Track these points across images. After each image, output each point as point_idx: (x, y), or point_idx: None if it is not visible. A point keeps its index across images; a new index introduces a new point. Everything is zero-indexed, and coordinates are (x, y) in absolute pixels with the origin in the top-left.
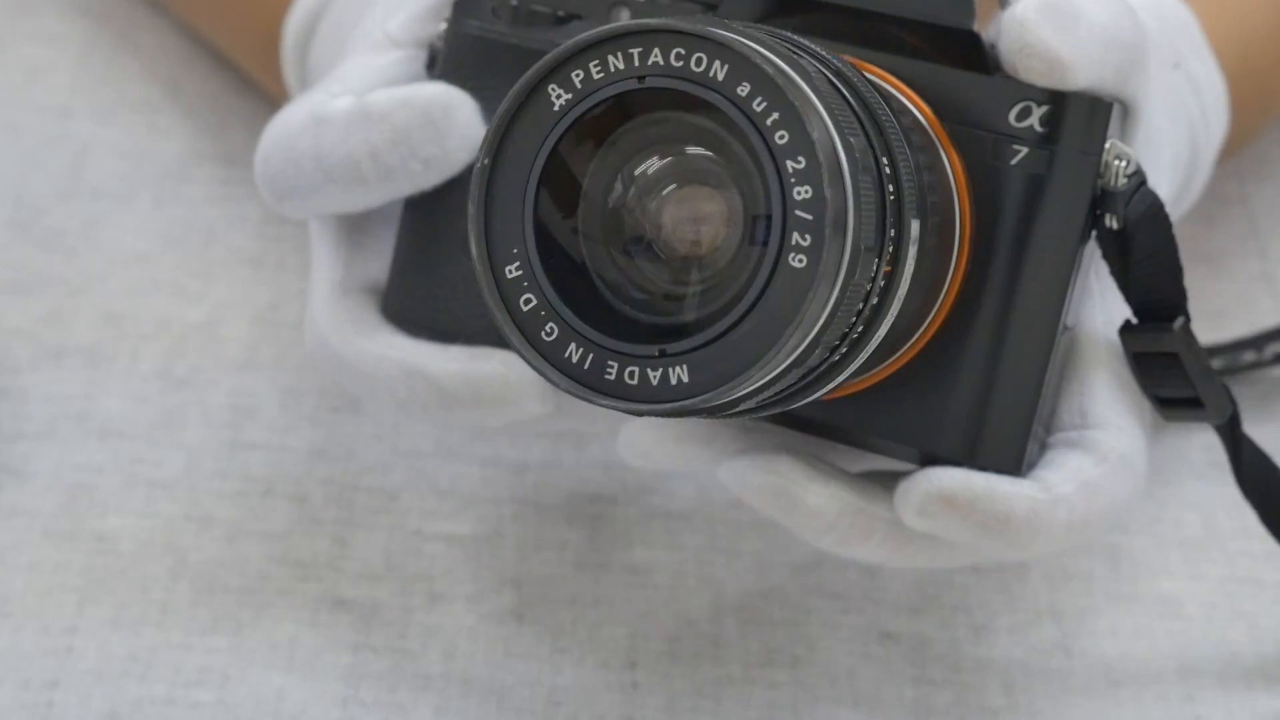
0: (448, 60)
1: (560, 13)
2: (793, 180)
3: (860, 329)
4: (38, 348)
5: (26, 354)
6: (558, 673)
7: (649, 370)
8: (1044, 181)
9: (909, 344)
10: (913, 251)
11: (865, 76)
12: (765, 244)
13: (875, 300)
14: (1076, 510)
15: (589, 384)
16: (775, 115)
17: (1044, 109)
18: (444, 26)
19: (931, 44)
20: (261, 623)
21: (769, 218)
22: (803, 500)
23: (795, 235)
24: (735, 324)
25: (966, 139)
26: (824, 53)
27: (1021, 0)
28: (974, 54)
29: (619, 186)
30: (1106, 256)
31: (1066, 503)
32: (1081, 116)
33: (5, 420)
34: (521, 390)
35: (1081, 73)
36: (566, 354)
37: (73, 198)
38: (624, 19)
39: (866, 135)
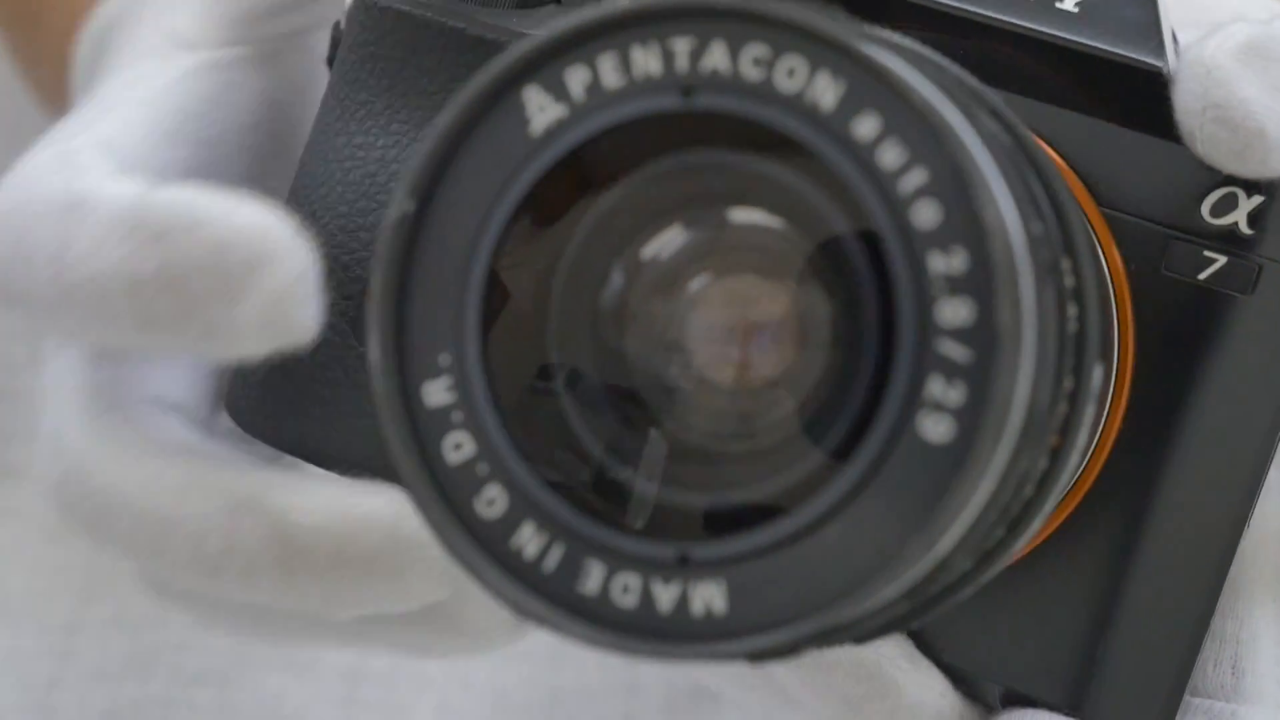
0: (352, 50)
1: None
2: (939, 288)
3: (1000, 534)
4: (37, 348)
5: (26, 354)
6: (557, 673)
7: (658, 586)
8: (1244, 307)
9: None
10: (1090, 413)
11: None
12: (876, 392)
13: (1031, 491)
14: None
15: (553, 597)
16: (917, 177)
17: (1256, 201)
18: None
19: (1087, 87)
20: None
21: (885, 348)
22: (898, 688)
23: (936, 383)
24: (814, 524)
25: (1133, 234)
26: (981, 86)
27: (1214, 37)
28: (1153, 108)
29: (617, 275)
30: None
31: None
32: None
33: (5, 420)
34: (412, 556)
35: None
36: (515, 542)
37: None
38: None
39: (1044, 221)
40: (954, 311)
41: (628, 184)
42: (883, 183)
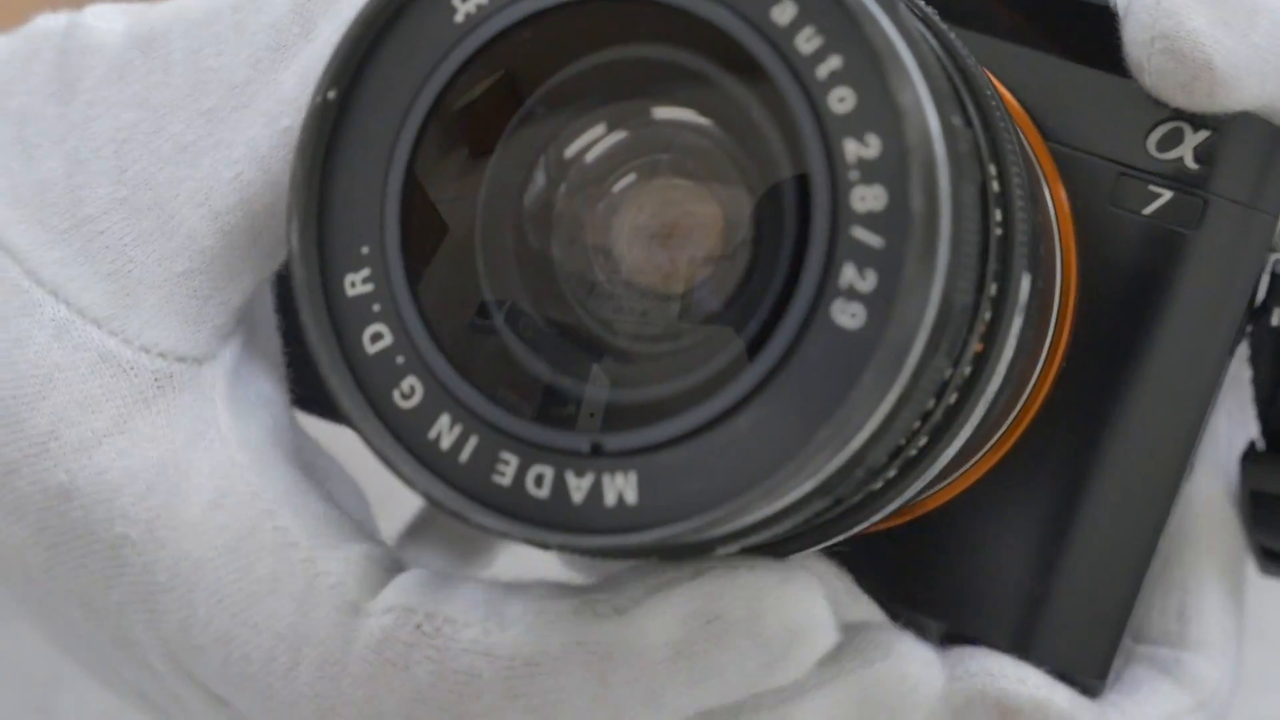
0: None
1: None
2: (854, 175)
3: (924, 441)
4: None
5: None
6: None
7: (571, 476)
8: (1190, 243)
9: (964, 469)
10: (1017, 323)
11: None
12: (792, 282)
13: (954, 398)
14: None
15: (466, 488)
16: (834, 62)
17: (1202, 135)
18: None
19: (1037, 22)
20: None
21: (800, 235)
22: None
23: (849, 270)
24: (726, 413)
25: (1080, 169)
26: None
27: None
28: (1101, 43)
29: (541, 174)
30: (1254, 361)
31: None
32: (1255, 151)
33: None
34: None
35: (1246, 89)
36: (432, 433)
37: None
38: None
39: (969, 123)
40: (868, 198)
41: (550, 83)
42: (799, 69)
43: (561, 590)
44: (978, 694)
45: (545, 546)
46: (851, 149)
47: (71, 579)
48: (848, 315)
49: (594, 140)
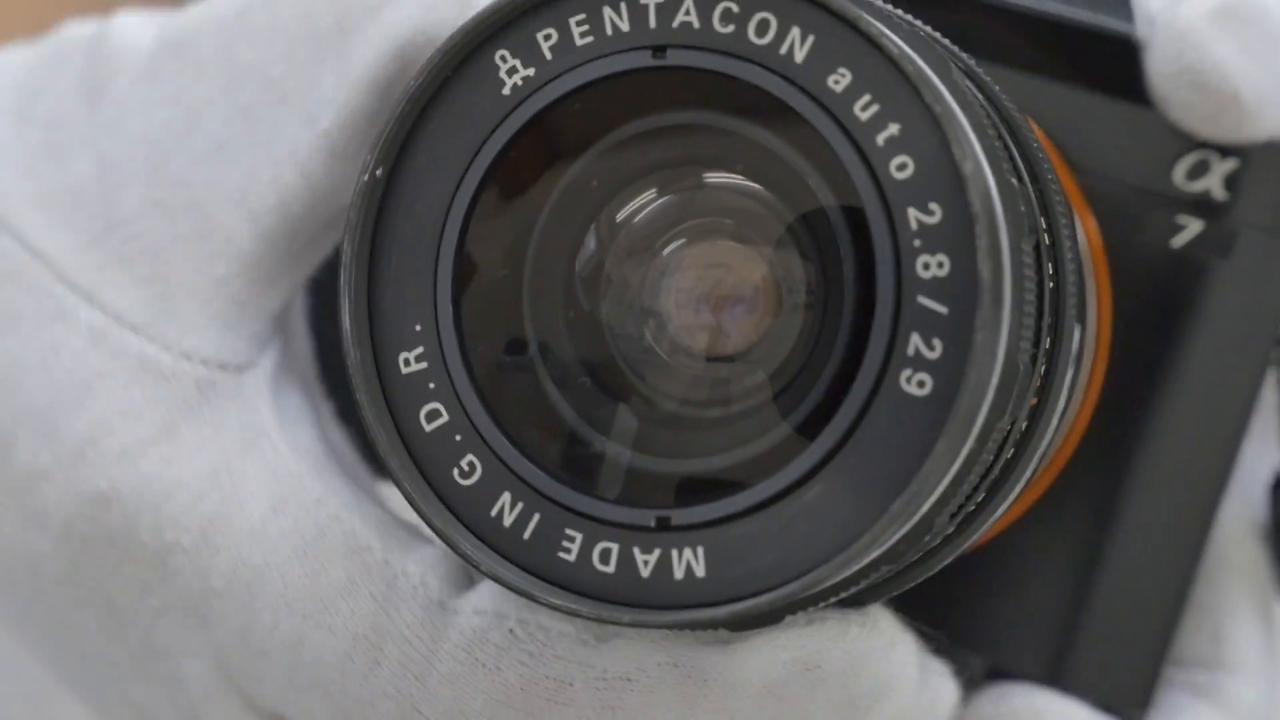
0: None
1: None
2: (918, 242)
3: (981, 497)
4: None
5: None
6: None
7: (638, 551)
8: (1221, 273)
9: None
10: (1069, 375)
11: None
12: (857, 350)
13: (1011, 452)
14: None
15: (531, 565)
16: (893, 129)
17: (1230, 164)
18: None
19: (1060, 54)
20: None
21: (862, 302)
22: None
23: (915, 338)
24: (795, 485)
25: (1108, 200)
26: (953, 47)
27: (1188, 0)
28: (1124, 73)
29: (592, 240)
30: None
31: None
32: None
33: None
34: None
35: (1273, 119)
36: (494, 510)
37: None
38: None
39: (1021, 179)
40: (932, 265)
41: (600, 147)
42: (858, 137)
43: None
44: None
45: (617, 623)
46: (914, 216)
47: (97, 587)
48: (915, 384)
49: (645, 204)
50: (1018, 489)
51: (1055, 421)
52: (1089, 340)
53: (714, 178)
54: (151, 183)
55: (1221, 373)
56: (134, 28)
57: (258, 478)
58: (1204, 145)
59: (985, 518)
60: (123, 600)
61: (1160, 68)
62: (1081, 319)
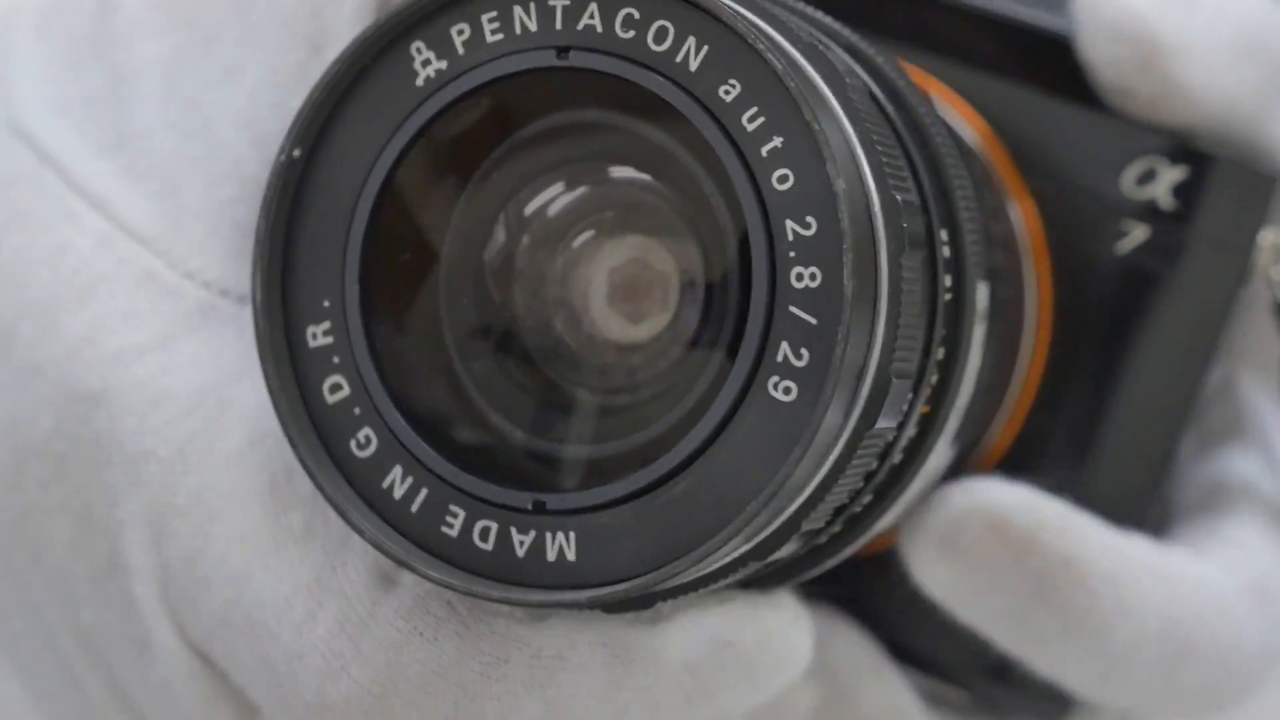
0: None
1: None
2: (791, 255)
3: (868, 499)
4: None
5: None
6: None
7: (516, 532)
8: (1165, 281)
9: None
10: (967, 389)
11: (921, 93)
12: (730, 353)
13: (899, 458)
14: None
15: (417, 538)
16: (776, 142)
17: (1178, 172)
18: None
19: (1015, 55)
20: None
21: (741, 311)
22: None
23: (784, 348)
24: (665, 478)
25: (1056, 205)
26: (866, 47)
27: None
28: (1078, 78)
29: (501, 231)
30: None
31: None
32: (1229, 189)
33: None
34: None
35: (1198, 76)
36: (387, 482)
37: None
38: None
39: (921, 191)
40: (804, 277)
41: (510, 143)
42: (743, 146)
43: None
44: (966, 514)
45: (487, 599)
46: (791, 228)
47: (77, 490)
48: (781, 390)
49: (553, 198)
50: (912, 489)
51: (953, 427)
52: (1026, 340)
53: (619, 172)
54: (166, 103)
55: (1161, 378)
56: None
57: (243, 408)
58: (1152, 150)
59: (875, 518)
60: (98, 508)
61: (1085, 37)
62: (989, 316)
